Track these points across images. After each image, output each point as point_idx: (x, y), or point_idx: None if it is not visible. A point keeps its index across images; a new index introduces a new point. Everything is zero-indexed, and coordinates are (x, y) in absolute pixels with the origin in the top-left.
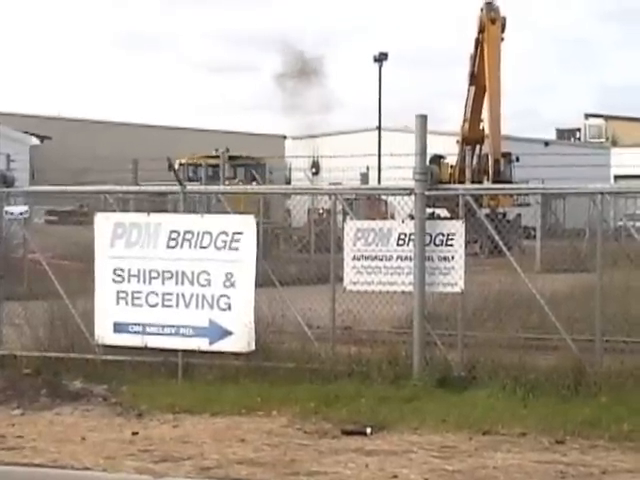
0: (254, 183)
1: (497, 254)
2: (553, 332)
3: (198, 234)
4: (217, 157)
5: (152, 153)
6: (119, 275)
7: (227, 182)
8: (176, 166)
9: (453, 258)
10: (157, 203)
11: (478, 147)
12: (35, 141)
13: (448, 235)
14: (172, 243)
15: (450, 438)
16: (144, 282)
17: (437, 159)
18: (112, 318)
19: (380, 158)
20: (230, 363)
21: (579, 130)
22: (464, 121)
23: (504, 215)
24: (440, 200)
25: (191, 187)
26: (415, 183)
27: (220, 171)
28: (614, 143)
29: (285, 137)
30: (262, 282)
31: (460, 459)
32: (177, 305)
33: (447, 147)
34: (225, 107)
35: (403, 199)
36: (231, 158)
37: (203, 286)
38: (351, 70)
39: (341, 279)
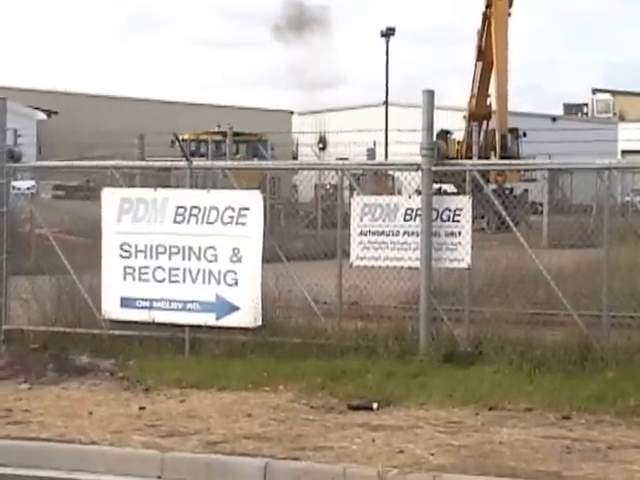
0: (256, 159)
1: (504, 230)
2: (560, 308)
3: (205, 209)
4: (219, 133)
5: (158, 128)
6: (126, 250)
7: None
8: None
9: (460, 234)
10: (162, 178)
11: (485, 123)
12: (42, 116)
13: (455, 211)
14: (179, 218)
15: (456, 413)
16: (151, 257)
17: (444, 134)
18: (119, 293)
19: (387, 133)
20: (237, 338)
21: (586, 105)
22: (471, 97)
23: (511, 191)
24: (447, 176)
25: (197, 162)
26: (422, 159)
27: (226, 147)
28: (621, 118)
29: (292, 112)
30: (269, 257)
31: (466, 434)
32: (184, 280)
33: (450, 121)
34: (225, 83)
35: (410, 174)
36: (233, 134)
37: (210, 261)
38: (354, 46)
39: (348, 254)
